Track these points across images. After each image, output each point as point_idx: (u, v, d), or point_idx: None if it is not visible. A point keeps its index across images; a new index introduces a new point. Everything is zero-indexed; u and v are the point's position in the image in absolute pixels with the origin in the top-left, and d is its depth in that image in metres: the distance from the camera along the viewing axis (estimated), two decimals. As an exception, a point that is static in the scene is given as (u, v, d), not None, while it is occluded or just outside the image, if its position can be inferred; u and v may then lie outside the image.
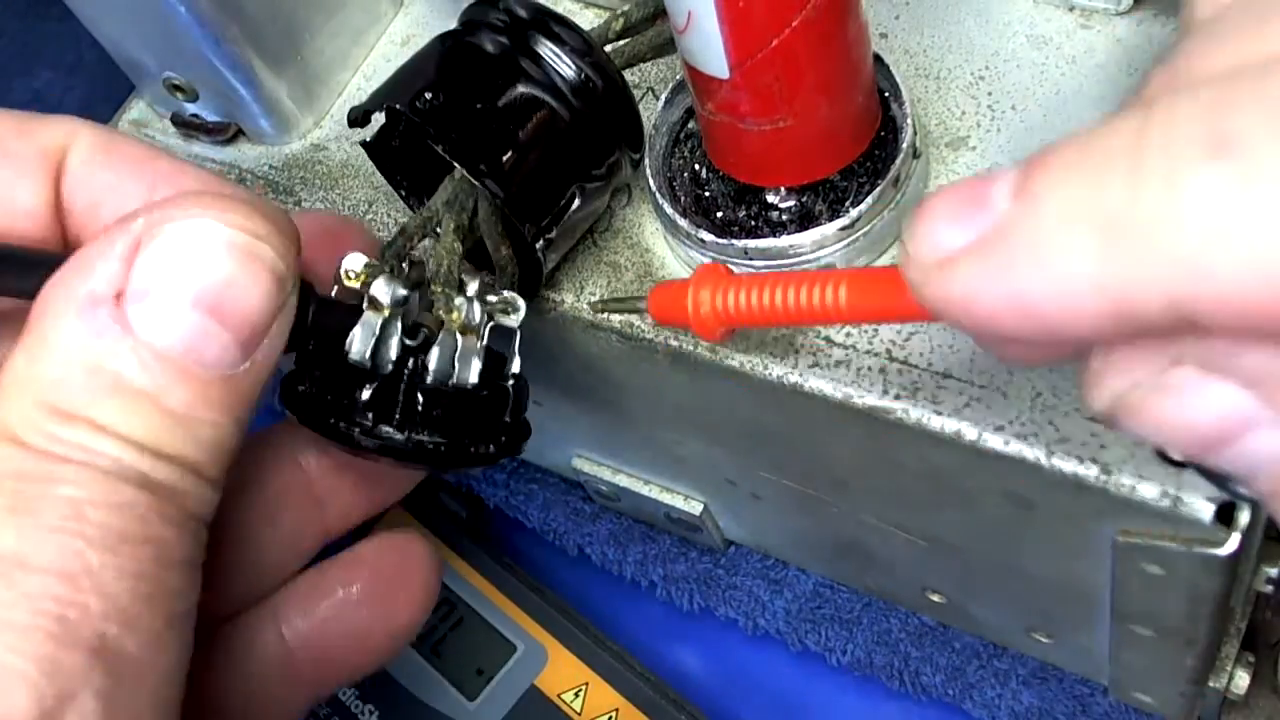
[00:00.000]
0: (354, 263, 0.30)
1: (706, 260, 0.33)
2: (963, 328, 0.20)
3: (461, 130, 0.31)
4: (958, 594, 0.40)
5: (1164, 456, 0.27)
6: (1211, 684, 0.37)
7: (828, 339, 0.31)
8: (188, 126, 0.42)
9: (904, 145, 0.32)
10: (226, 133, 0.41)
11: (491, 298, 0.31)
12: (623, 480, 0.45)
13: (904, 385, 0.30)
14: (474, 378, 0.30)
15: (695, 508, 0.44)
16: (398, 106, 0.31)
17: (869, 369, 0.31)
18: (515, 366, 0.32)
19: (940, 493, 0.33)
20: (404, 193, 0.35)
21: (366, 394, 0.29)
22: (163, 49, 0.39)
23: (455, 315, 0.30)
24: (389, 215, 0.38)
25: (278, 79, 0.39)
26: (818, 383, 0.31)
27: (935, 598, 0.41)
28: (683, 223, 0.32)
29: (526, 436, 0.32)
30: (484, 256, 0.33)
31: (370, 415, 0.29)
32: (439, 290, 0.31)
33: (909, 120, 0.32)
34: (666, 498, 0.44)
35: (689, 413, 0.37)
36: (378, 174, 0.39)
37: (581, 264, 0.35)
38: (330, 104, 0.42)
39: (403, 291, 0.30)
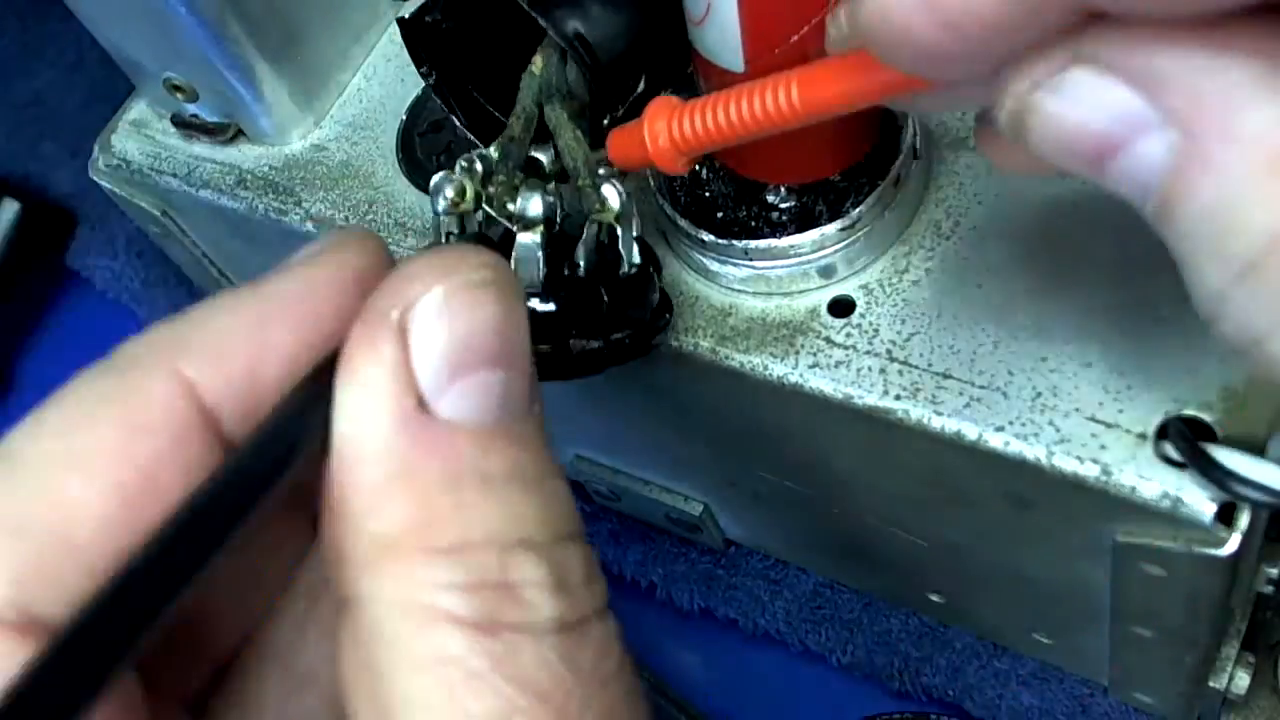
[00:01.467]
0: (450, 189, 0.28)
1: (709, 261, 0.33)
2: (892, 53, 0.20)
3: None
4: (958, 594, 0.40)
5: (1165, 458, 0.27)
6: (1211, 684, 0.37)
7: (828, 339, 0.31)
8: (188, 126, 0.42)
9: (904, 146, 0.32)
10: (226, 133, 0.41)
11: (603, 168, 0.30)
12: (623, 480, 0.45)
13: (904, 385, 0.30)
14: (638, 258, 0.29)
15: (695, 508, 0.44)
16: None
17: (869, 369, 0.31)
18: (636, 228, 0.30)
19: (940, 493, 0.33)
20: (431, 82, 0.34)
21: (551, 312, 0.27)
22: (163, 49, 0.39)
23: (608, 209, 0.29)
24: (388, 216, 0.38)
25: (278, 79, 0.39)
26: (818, 383, 0.31)
27: (935, 598, 0.41)
28: (683, 223, 0.32)
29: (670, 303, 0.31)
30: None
31: (560, 333, 0.28)
32: (586, 185, 0.29)
33: (910, 121, 0.32)
34: (666, 498, 0.44)
35: (689, 413, 0.37)
36: (377, 174, 0.40)
37: (581, 264, 0.35)
38: (330, 104, 0.42)
39: (550, 199, 0.28)
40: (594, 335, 0.28)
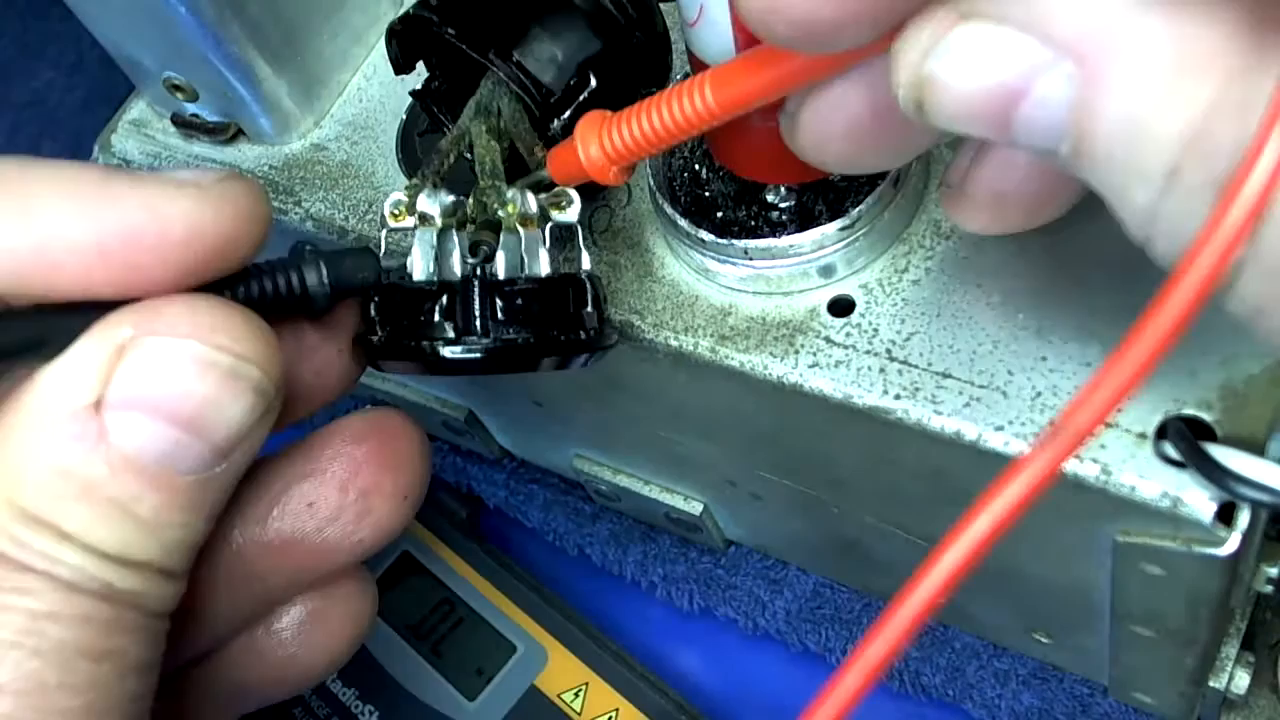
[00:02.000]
0: (394, 204, 0.30)
1: (709, 261, 0.33)
2: (767, 29, 0.21)
3: (472, 18, 0.31)
4: (958, 594, 0.40)
5: (1165, 457, 0.27)
6: (1211, 684, 0.37)
7: (827, 339, 0.31)
8: (188, 126, 0.42)
9: (904, 145, 0.32)
10: (226, 133, 0.41)
11: (542, 194, 0.31)
12: (623, 480, 0.45)
13: (904, 385, 0.30)
14: (544, 268, 0.30)
15: (695, 508, 0.44)
16: (411, 10, 0.32)
17: (869, 369, 0.31)
18: (586, 263, 0.31)
19: (940, 493, 0.33)
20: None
21: (441, 306, 0.29)
22: (163, 49, 0.39)
23: (511, 207, 0.30)
24: (389, 215, 0.38)
25: (278, 79, 0.39)
26: (818, 383, 0.31)
27: (935, 598, 0.41)
28: (683, 223, 0.32)
29: (614, 338, 0.31)
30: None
31: (450, 326, 0.29)
32: (488, 185, 0.30)
33: (909, 120, 0.32)
34: (666, 498, 0.44)
35: (689, 413, 0.37)
36: (377, 174, 0.40)
37: (581, 264, 0.35)
38: (330, 104, 0.42)
39: (449, 198, 0.30)
40: (476, 332, 0.29)
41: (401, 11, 0.33)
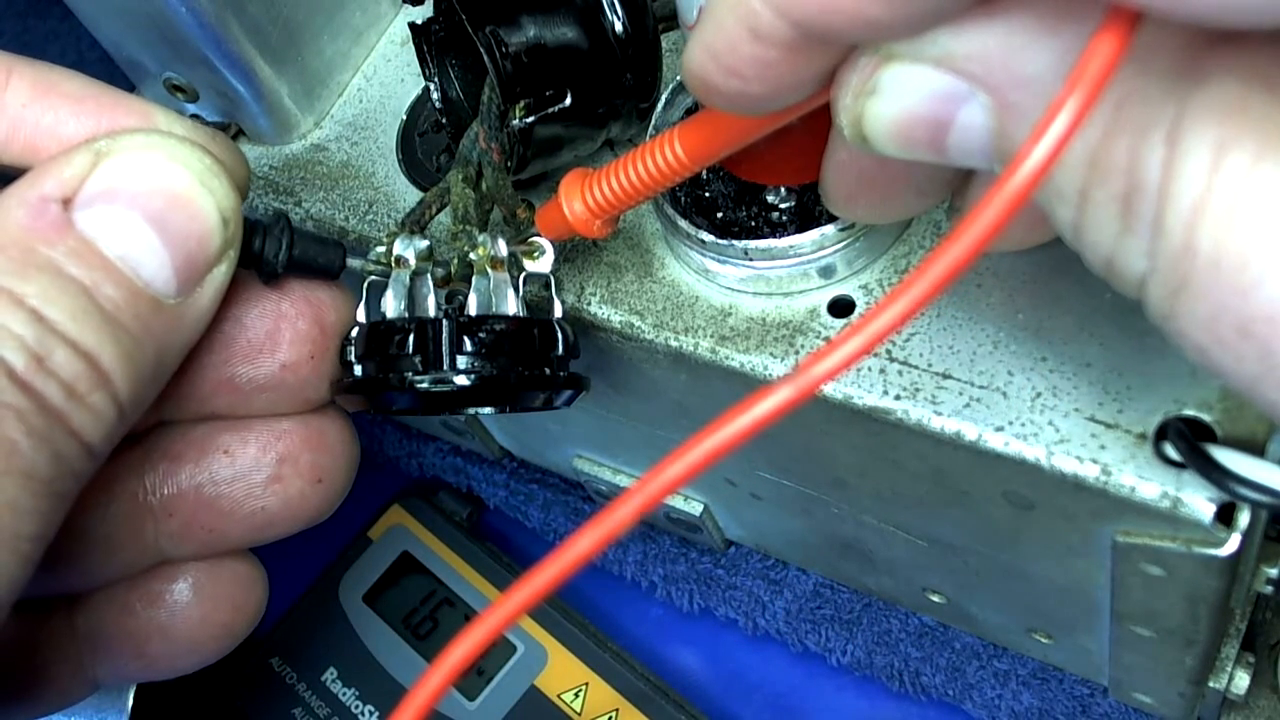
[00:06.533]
0: (377, 253, 0.31)
1: (709, 261, 0.33)
2: (709, 99, 0.23)
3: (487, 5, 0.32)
4: (958, 594, 0.40)
5: (1165, 458, 0.27)
6: (1211, 684, 0.37)
7: (828, 339, 0.31)
8: (188, 126, 0.42)
9: (904, 145, 0.32)
10: (226, 133, 0.41)
11: (516, 245, 0.32)
12: (623, 480, 0.45)
13: (904, 385, 0.30)
14: (511, 308, 0.31)
15: (695, 508, 0.44)
16: None
17: (869, 369, 0.31)
18: (558, 311, 0.32)
19: (940, 493, 0.33)
20: (433, 85, 0.36)
21: (411, 341, 0.29)
22: (163, 49, 0.39)
23: (482, 250, 0.31)
24: (388, 216, 0.38)
25: (278, 79, 0.39)
26: (818, 383, 0.31)
27: (935, 598, 0.41)
28: (683, 223, 0.32)
29: (583, 383, 0.32)
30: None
31: (419, 360, 0.29)
32: (460, 229, 0.31)
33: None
34: (667, 498, 0.44)
35: (689, 413, 0.37)
36: (377, 174, 0.40)
37: (582, 264, 0.35)
38: (330, 104, 0.42)
39: (423, 242, 0.31)
40: (443, 368, 0.30)
41: (402, 9, 0.33)
